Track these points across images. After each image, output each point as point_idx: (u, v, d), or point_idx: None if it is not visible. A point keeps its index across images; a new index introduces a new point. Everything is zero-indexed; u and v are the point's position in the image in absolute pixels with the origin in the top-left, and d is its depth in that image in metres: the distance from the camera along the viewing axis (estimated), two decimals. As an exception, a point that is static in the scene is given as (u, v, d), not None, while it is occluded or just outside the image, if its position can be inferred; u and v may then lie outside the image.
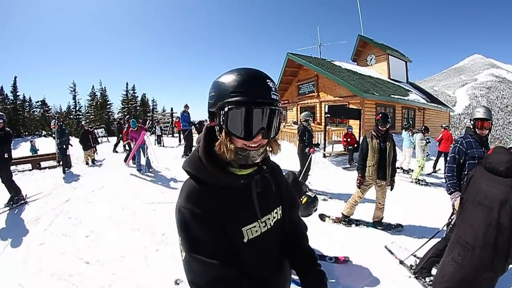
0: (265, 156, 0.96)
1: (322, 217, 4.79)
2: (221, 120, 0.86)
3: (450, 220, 3.15)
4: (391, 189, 4.45)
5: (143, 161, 8.13)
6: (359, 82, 13.69)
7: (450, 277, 2.06)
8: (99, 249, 3.78)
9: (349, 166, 9.36)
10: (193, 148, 1.04)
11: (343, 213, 4.62)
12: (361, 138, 10.80)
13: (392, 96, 13.95)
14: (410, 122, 10.72)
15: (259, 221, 0.98)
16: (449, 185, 3.12)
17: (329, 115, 10.29)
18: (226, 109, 0.84)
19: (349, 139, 9.81)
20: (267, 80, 0.88)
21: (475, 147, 3.05)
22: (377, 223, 4.49)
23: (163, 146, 13.96)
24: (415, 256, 3.44)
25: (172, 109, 20.43)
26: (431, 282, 3.01)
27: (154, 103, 43.89)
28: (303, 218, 1.34)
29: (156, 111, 38.95)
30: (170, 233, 4.11)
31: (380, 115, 4.32)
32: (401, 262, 3.44)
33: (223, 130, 0.87)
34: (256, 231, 0.97)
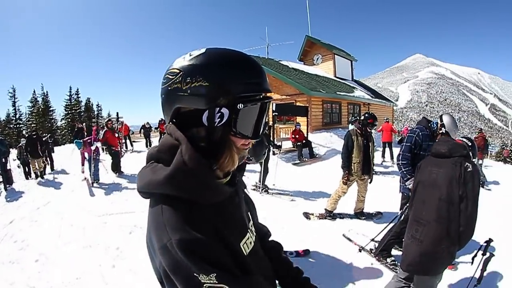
0: None
1: (306, 215, 4.92)
2: (220, 119, 0.67)
3: (406, 205, 3.32)
4: (370, 182, 4.74)
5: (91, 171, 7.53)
6: (305, 81, 14.13)
7: (412, 253, 2.19)
8: (51, 273, 3.51)
9: (298, 161, 9.64)
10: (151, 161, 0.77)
11: (326, 209, 4.79)
12: (309, 134, 11.27)
13: (338, 93, 14.63)
14: (356, 117, 11.32)
15: (249, 230, 0.84)
16: (405, 172, 3.35)
17: (277, 114, 10.55)
18: (240, 106, 0.66)
19: (297, 136, 10.08)
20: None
21: (428, 140, 3.36)
22: (360, 214, 4.79)
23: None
24: (373, 240, 3.70)
25: (117, 113, 19.41)
26: (392, 263, 3.30)
27: (99, 108, 41.41)
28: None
29: (101, 117, 36.86)
30: (124, 246, 3.97)
31: (372, 118, 4.56)
32: (362, 249, 3.66)
33: (225, 134, 0.69)
34: (251, 242, 0.82)
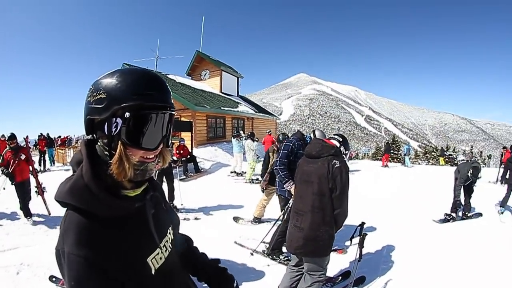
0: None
1: (236, 219, 5.32)
2: (115, 129, 0.73)
3: (288, 206, 3.55)
4: None
5: None
6: (191, 96, 14.28)
7: (297, 238, 2.45)
8: None
9: (185, 177, 9.50)
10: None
11: (254, 215, 5.21)
12: (193, 149, 11.46)
13: (222, 108, 15.18)
14: (239, 131, 12.01)
15: (159, 247, 0.86)
16: (282, 176, 3.62)
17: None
18: (127, 114, 0.71)
19: (181, 151, 9.99)
20: (165, 82, 0.80)
21: (302, 149, 3.76)
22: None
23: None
24: (264, 242, 3.98)
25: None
26: (286, 259, 3.63)
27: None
28: None
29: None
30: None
31: (280, 136, 5.13)
32: (254, 251, 3.91)
33: (120, 142, 0.73)
34: (161, 258, 0.85)
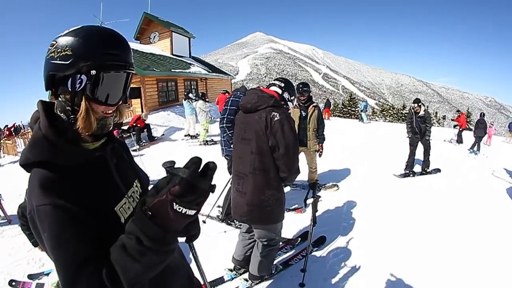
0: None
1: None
2: (80, 85, 0.76)
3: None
4: (320, 156, 4.66)
5: None
6: (139, 60, 13.70)
7: (241, 204, 2.18)
8: None
9: (138, 147, 8.96)
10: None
11: (314, 181, 4.77)
12: (143, 114, 11.22)
13: (173, 70, 14.76)
14: (192, 91, 11.64)
15: (126, 196, 0.89)
16: (230, 135, 3.38)
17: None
18: (93, 72, 0.74)
19: (139, 124, 9.66)
20: (127, 42, 0.84)
21: None
22: (313, 185, 4.74)
23: None
24: (218, 207, 3.82)
25: None
26: (241, 224, 3.19)
27: None
28: None
29: None
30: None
31: (300, 85, 4.48)
32: (208, 217, 3.74)
33: (84, 97, 0.76)
34: (128, 207, 0.87)
